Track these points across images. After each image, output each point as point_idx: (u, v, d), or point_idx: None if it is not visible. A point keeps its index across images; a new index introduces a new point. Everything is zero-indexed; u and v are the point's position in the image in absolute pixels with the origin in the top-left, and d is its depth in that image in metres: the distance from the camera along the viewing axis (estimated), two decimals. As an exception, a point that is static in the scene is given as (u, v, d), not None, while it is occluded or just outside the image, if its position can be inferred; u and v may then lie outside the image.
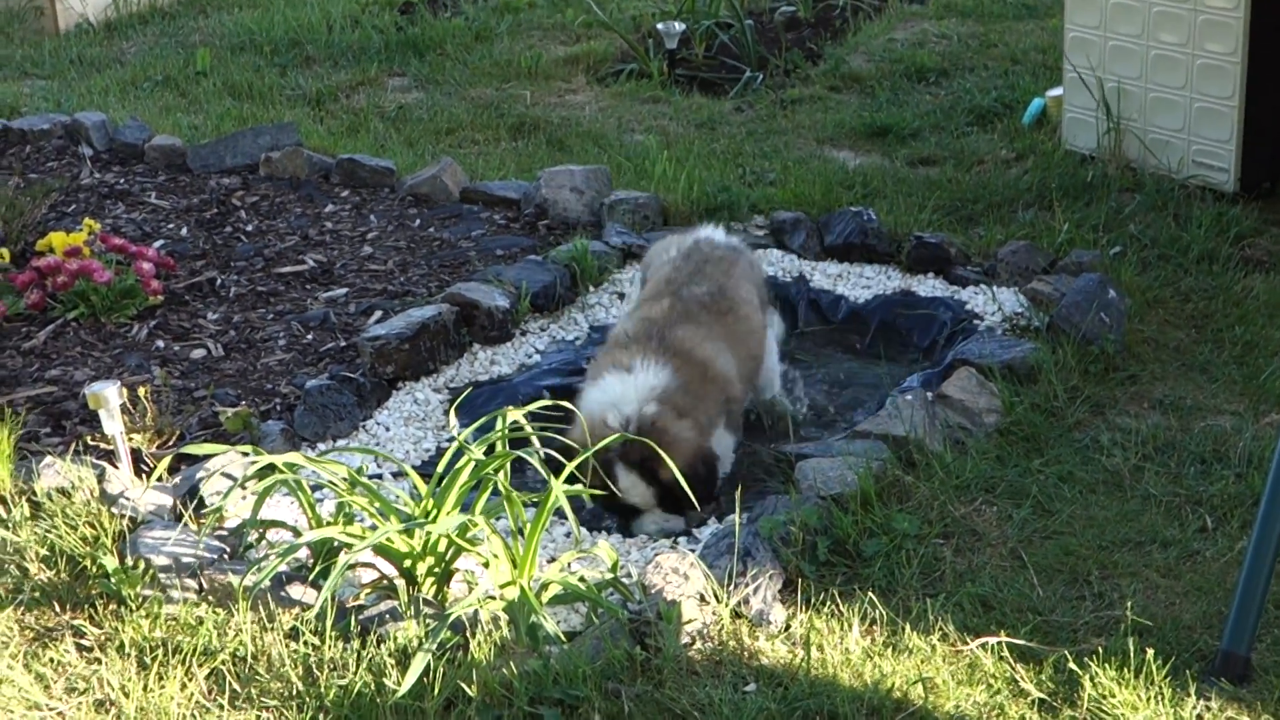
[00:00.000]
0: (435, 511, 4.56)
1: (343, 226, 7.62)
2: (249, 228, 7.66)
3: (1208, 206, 7.12)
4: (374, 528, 4.59)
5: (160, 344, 6.47)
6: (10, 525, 5.04)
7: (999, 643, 4.32)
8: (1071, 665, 4.21)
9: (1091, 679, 4.16)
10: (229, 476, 5.15)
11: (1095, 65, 7.70)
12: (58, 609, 4.72)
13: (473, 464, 4.58)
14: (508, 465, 4.62)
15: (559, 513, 4.70)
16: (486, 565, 4.48)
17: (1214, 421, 5.52)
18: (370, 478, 4.97)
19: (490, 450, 4.66)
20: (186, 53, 10.86)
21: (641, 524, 5.18)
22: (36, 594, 4.77)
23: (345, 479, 4.69)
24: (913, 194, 7.61)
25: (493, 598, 4.39)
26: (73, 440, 5.65)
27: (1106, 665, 4.20)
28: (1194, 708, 4.09)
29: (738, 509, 4.69)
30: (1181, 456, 5.30)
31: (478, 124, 9.25)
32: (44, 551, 4.91)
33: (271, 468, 4.74)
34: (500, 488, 4.54)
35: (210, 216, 7.80)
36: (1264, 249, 6.86)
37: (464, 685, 4.13)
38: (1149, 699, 4.11)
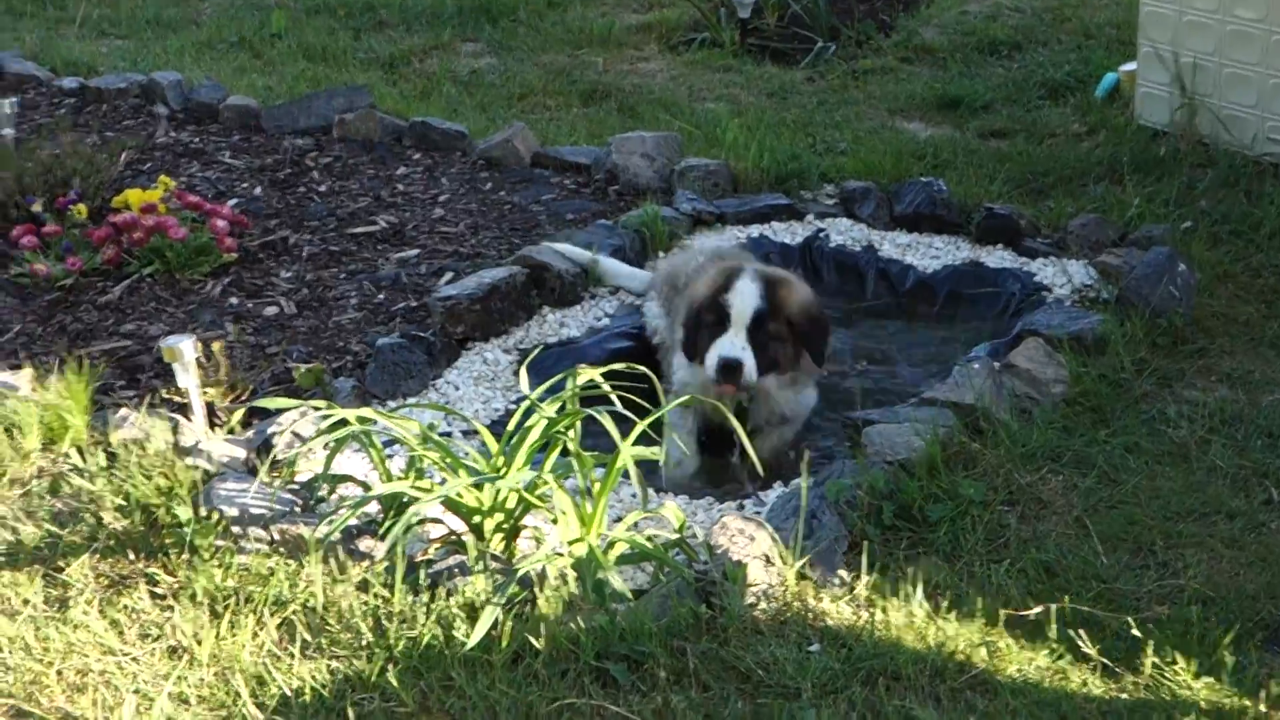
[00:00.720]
0: (505, 468, 4.62)
1: (414, 189, 7.68)
2: (322, 188, 7.73)
3: (1280, 184, 7.10)
4: (444, 483, 4.64)
5: (234, 301, 6.55)
6: (87, 475, 5.12)
7: (1062, 608, 4.34)
8: (1135, 632, 4.23)
9: (1154, 646, 4.17)
10: (298, 435, 5.22)
11: (1170, 40, 7.66)
12: (131, 557, 4.81)
13: (543, 422, 4.62)
14: (578, 424, 4.66)
15: (626, 475, 4.75)
16: (555, 522, 4.53)
17: (1282, 396, 5.53)
18: (440, 435, 5.02)
19: (561, 410, 4.71)
20: (262, 15, 10.96)
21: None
22: (111, 542, 4.86)
23: (417, 435, 4.75)
24: (983, 166, 7.61)
25: (560, 554, 4.44)
26: (147, 394, 5.74)
27: (1169, 633, 4.22)
28: (1255, 676, 4.10)
29: (804, 472, 4.72)
30: (1248, 430, 5.30)
31: (550, 90, 9.29)
32: (119, 500, 5.00)
33: (344, 422, 4.80)
34: (570, 447, 4.59)
35: (284, 176, 7.88)
36: (1336, 225, 6.83)
37: (531, 639, 4.19)
38: (1211, 667, 4.12)
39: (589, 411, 4.62)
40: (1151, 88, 7.86)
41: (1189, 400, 5.49)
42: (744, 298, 5.40)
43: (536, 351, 5.91)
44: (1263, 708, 4.02)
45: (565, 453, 4.70)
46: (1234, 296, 6.23)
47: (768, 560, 4.52)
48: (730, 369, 5.35)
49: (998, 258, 6.77)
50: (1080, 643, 4.24)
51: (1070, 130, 8.14)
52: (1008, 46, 9.68)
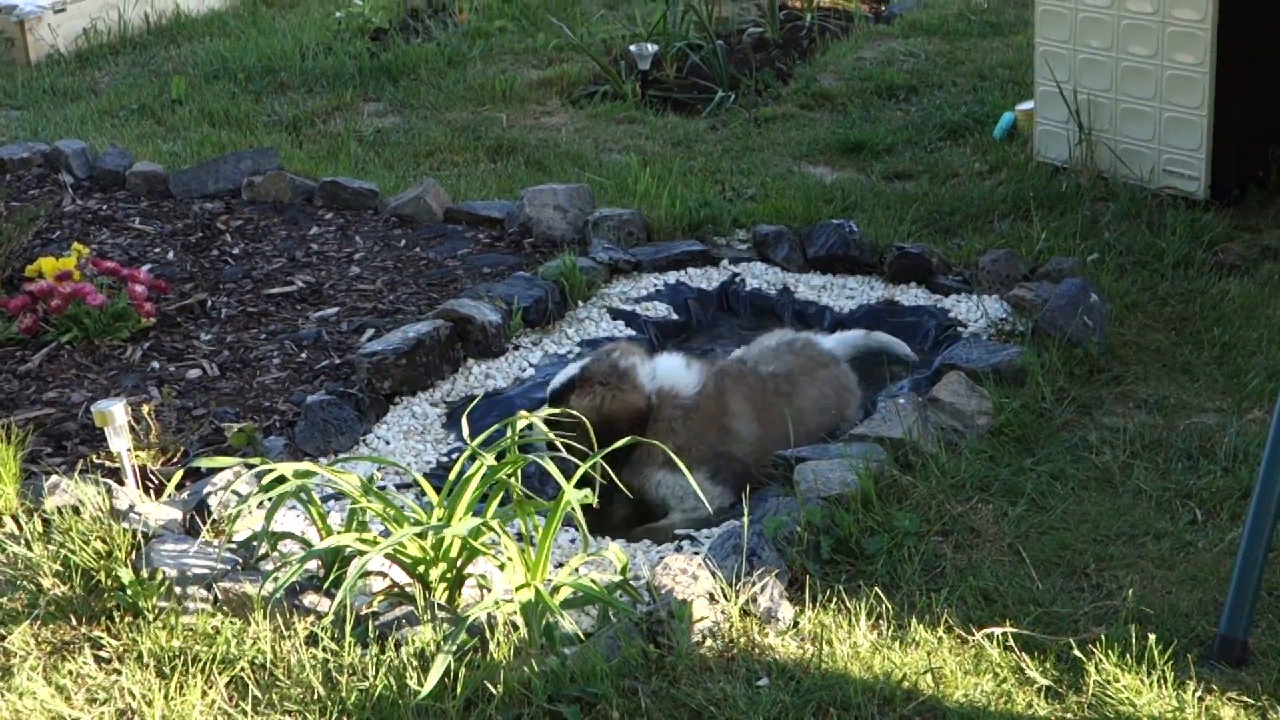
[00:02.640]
0: (447, 517, 4.65)
1: (328, 248, 7.70)
2: (235, 250, 7.73)
3: (1180, 214, 7.28)
4: (386, 534, 4.67)
5: (155, 365, 6.54)
6: (22, 542, 5.10)
7: (1003, 633, 4.43)
8: (1075, 653, 4.32)
9: (1095, 666, 4.27)
10: (236, 493, 5.23)
11: (1066, 78, 7.85)
12: (74, 622, 4.78)
13: (484, 470, 4.66)
14: (519, 471, 4.71)
15: (565, 520, 4.79)
16: (502, 567, 4.56)
17: (1198, 419, 5.66)
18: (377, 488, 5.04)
19: (501, 457, 4.75)
20: (160, 81, 10.91)
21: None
22: (52, 608, 4.83)
23: (358, 487, 4.77)
24: (890, 207, 7.74)
25: (509, 600, 4.47)
26: (76, 460, 5.71)
27: (1109, 652, 4.32)
28: (1195, 691, 4.21)
29: (745, 510, 4.80)
30: (1169, 453, 5.44)
31: (456, 146, 9.34)
32: (57, 567, 4.97)
33: (281, 480, 4.82)
34: (513, 493, 4.63)
35: (196, 240, 7.87)
36: (1236, 253, 7.02)
37: (488, 685, 4.22)
38: (1152, 683, 4.23)
39: (532, 457, 4.67)
40: (1050, 125, 8.04)
41: (1109, 426, 5.62)
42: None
43: (476, 400, 5.93)
44: (1204, 720, 4.14)
45: (505, 500, 4.74)
46: (1144, 325, 6.38)
47: (711, 598, 4.58)
48: None
49: (912, 296, 6.89)
50: (1024, 665, 4.33)
51: (972, 169, 8.31)
52: (905, 90, 9.86)
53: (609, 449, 4.89)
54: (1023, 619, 4.52)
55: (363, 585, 4.79)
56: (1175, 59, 7.35)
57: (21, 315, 6.77)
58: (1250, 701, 4.20)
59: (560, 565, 4.89)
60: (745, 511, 4.79)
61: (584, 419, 5.23)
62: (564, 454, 4.83)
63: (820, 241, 7.22)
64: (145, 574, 4.81)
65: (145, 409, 5.70)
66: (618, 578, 4.70)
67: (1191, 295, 6.59)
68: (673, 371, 5.73)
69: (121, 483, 5.37)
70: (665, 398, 5.63)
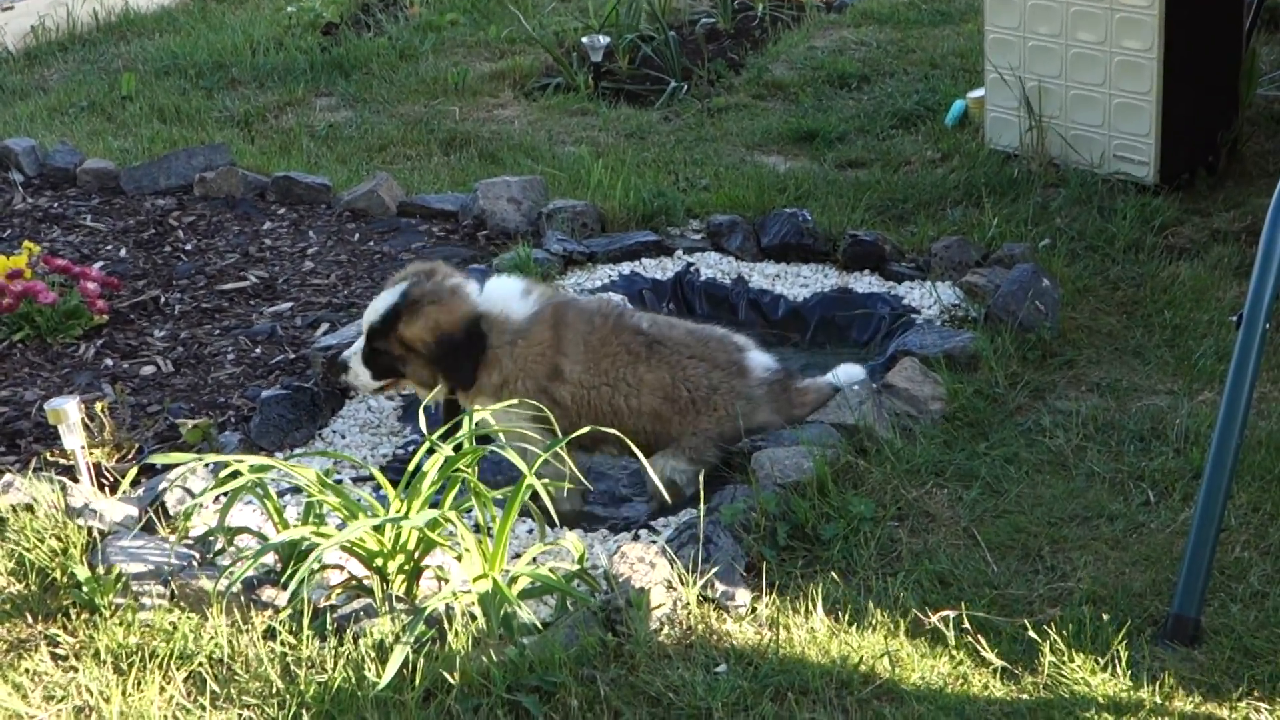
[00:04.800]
0: (405, 510, 4.65)
1: (282, 243, 7.68)
2: (188, 246, 7.71)
3: (1130, 198, 7.33)
4: (344, 528, 4.66)
5: (109, 362, 6.51)
6: (-24, 541, 5.08)
7: (959, 616, 4.46)
8: (1030, 634, 4.36)
9: (1050, 646, 4.31)
10: (188, 491, 5.22)
11: (1015, 65, 7.89)
12: (29, 620, 4.76)
13: (441, 461, 4.67)
14: (475, 462, 4.72)
15: (522, 512, 4.79)
16: (460, 559, 4.57)
17: (1150, 401, 5.70)
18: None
19: (459, 449, 4.75)
20: (110, 78, 10.86)
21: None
22: (7, 606, 4.81)
23: (315, 481, 4.76)
24: (844, 195, 7.76)
25: (466, 591, 4.48)
26: (29, 458, 5.69)
27: (1063, 633, 4.35)
28: (1149, 669, 4.25)
29: (700, 497, 4.82)
30: (1121, 435, 5.48)
31: (409, 140, 9.32)
32: (11, 565, 4.95)
33: (236, 475, 4.81)
34: (470, 483, 4.64)
35: (148, 237, 7.84)
36: (1186, 237, 7.07)
37: (446, 675, 4.22)
38: (1106, 663, 4.26)
39: (491, 447, 4.68)
40: (1000, 112, 8.08)
41: (1062, 410, 5.65)
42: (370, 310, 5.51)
43: (432, 395, 5.91)
44: (1158, 699, 4.17)
45: (462, 491, 4.75)
46: (1096, 309, 6.42)
47: (669, 586, 4.59)
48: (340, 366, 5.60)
49: (865, 283, 6.91)
50: (979, 648, 4.36)
51: (924, 157, 8.34)
52: (856, 79, 9.88)
53: (571, 436, 4.89)
54: (978, 602, 4.55)
55: (320, 579, 4.78)
56: (1123, 45, 7.39)
57: (-27, 314, 6.74)
58: (1203, 680, 4.23)
59: (518, 555, 4.89)
60: (701, 499, 4.81)
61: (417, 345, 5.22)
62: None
63: (774, 230, 7.24)
64: (101, 571, 4.79)
65: (99, 406, 5.69)
66: (575, 567, 4.71)
67: (1142, 279, 6.64)
68: (504, 294, 5.45)
69: (76, 480, 5.35)
70: (494, 324, 5.38)
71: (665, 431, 5.42)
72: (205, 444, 5.63)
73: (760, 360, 5.57)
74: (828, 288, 6.91)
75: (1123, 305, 6.47)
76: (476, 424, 4.84)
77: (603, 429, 5.13)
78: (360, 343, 5.50)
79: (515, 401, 5.14)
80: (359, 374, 5.51)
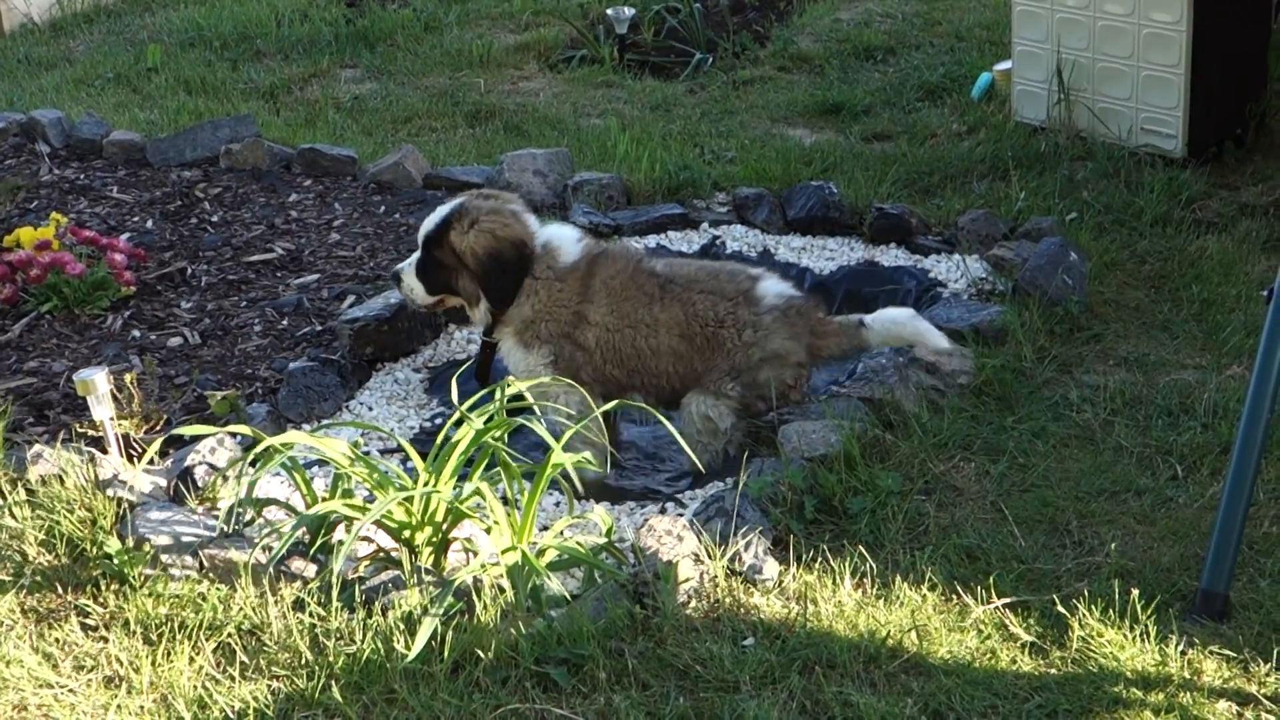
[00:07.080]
0: (434, 482, 4.66)
1: (308, 215, 7.69)
2: (214, 218, 7.71)
3: (1158, 172, 7.30)
4: (372, 499, 4.68)
5: (136, 334, 6.53)
6: (6, 512, 5.09)
7: (987, 590, 4.46)
8: (1059, 609, 4.35)
9: (1079, 621, 4.30)
10: (213, 466, 5.23)
11: (1044, 38, 7.86)
12: (60, 590, 4.79)
13: (471, 433, 4.67)
14: (505, 434, 4.72)
15: (550, 485, 4.80)
16: (489, 531, 4.57)
17: (1178, 376, 5.69)
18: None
19: (489, 420, 4.76)
20: (136, 49, 10.87)
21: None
22: (38, 577, 4.84)
23: (344, 453, 4.77)
24: (870, 168, 7.75)
25: (495, 563, 4.49)
26: (58, 429, 5.71)
27: (1092, 608, 4.35)
28: (1178, 644, 4.24)
29: (743, 467, 4.83)
30: (1149, 410, 5.47)
31: (434, 112, 9.32)
32: (42, 536, 4.97)
33: (263, 446, 4.81)
34: (500, 456, 4.64)
35: (175, 209, 7.85)
36: (1214, 211, 7.05)
37: (475, 648, 4.23)
38: (1134, 637, 4.26)
39: (521, 420, 4.68)
40: (1027, 85, 8.05)
41: (1090, 384, 5.64)
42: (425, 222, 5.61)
43: (465, 367, 5.90)
44: (1186, 674, 4.16)
45: (491, 464, 4.75)
46: (1123, 283, 6.41)
47: (697, 559, 4.60)
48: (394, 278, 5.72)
49: (892, 256, 6.91)
50: (1007, 622, 4.36)
51: (950, 130, 8.32)
52: (882, 51, 9.86)
53: (605, 408, 4.91)
54: (1006, 576, 4.55)
55: (350, 551, 4.79)
56: (1152, 17, 7.36)
57: (1, 285, 6.75)
58: (1232, 654, 4.23)
59: (545, 528, 4.90)
60: (743, 469, 4.82)
61: (575, 385, 5.23)
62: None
63: (800, 203, 7.23)
64: (131, 542, 4.81)
65: (127, 378, 5.70)
66: (603, 540, 4.72)
67: (1170, 253, 6.62)
68: (560, 235, 5.64)
69: (105, 451, 5.37)
70: (544, 256, 5.53)
71: (690, 370, 5.50)
72: (233, 415, 5.64)
73: (773, 287, 5.57)
74: (854, 261, 6.90)
75: (1150, 279, 6.45)
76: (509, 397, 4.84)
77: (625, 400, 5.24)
78: (416, 255, 5.60)
79: (547, 379, 5.21)
80: (412, 286, 5.64)
